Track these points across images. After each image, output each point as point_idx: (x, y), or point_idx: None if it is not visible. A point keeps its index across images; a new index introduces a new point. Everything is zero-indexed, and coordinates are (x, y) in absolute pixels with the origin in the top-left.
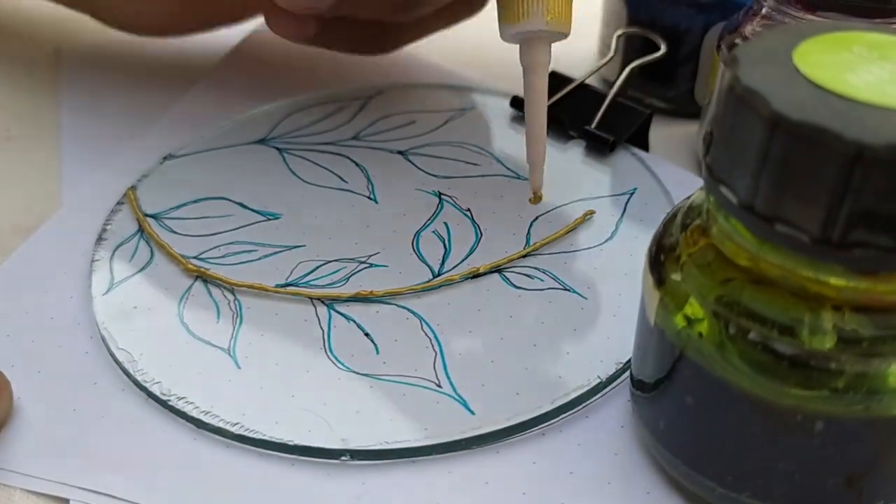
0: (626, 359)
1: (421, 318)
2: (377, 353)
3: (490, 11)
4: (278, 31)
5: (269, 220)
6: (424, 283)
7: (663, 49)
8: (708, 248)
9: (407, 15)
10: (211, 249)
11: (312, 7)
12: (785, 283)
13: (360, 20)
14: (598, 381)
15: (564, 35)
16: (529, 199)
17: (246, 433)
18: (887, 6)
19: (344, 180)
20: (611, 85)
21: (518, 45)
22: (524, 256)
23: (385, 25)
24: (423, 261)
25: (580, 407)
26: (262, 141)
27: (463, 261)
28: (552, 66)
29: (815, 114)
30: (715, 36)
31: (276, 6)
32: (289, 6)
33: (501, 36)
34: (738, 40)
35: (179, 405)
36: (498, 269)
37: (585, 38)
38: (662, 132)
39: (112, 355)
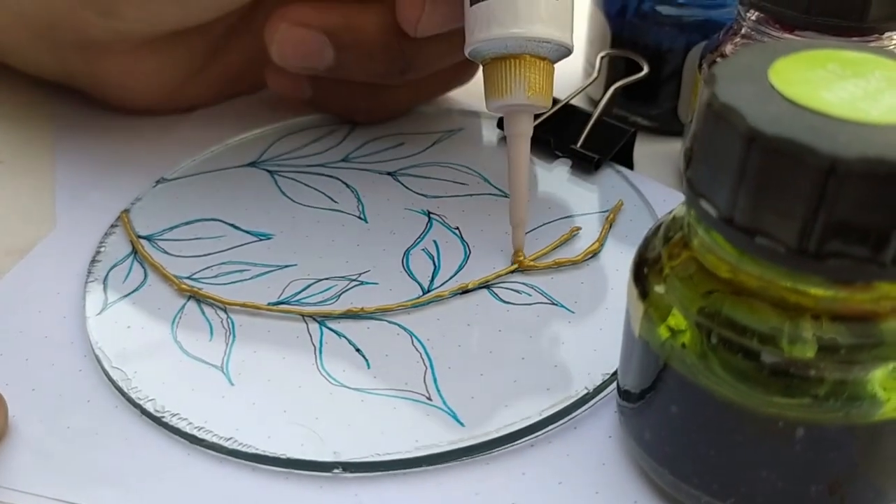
0: (613, 370)
1: (411, 334)
2: (368, 367)
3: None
4: (275, 88)
5: (260, 240)
6: (414, 299)
7: (646, 70)
8: (690, 260)
9: (400, 78)
10: (204, 270)
11: (307, 67)
12: (765, 293)
13: (354, 84)
14: (586, 391)
15: (545, 108)
16: (512, 258)
17: (239, 448)
18: (862, 25)
19: (334, 201)
20: (596, 104)
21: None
22: (512, 272)
23: (378, 92)
24: (413, 278)
25: (568, 418)
26: (253, 164)
27: (452, 277)
28: None
29: (790, 129)
30: (697, 55)
31: (274, 65)
32: (285, 66)
33: (487, 107)
34: (718, 59)
35: (173, 421)
36: (486, 285)
37: (571, 59)
38: (647, 150)
39: (106, 373)
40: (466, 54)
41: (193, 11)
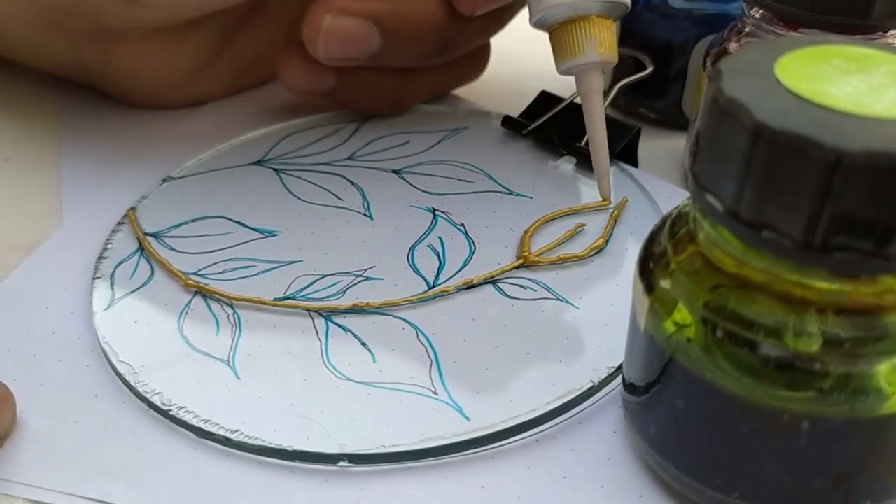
0: (618, 365)
1: (416, 328)
2: (374, 361)
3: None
4: (292, 81)
5: (266, 237)
6: (420, 294)
7: (650, 68)
8: (695, 255)
9: (440, 58)
10: (210, 266)
11: (348, 58)
12: (770, 287)
13: (381, 72)
14: (591, 384)
15: (613, 63)
16: (602, 201)
17: (246, 441)
18: (866, 23)
19: (340, 198)
20: (604, 99)
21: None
22: (517, 268)
23: (401, 80)
24: (419, 273)
25: (573, 412)
26: (259, 162)
27: (457, 273)
28: (543, 87)
29: (795, 123)
30: (702, 50)
31: (293, 59)
32: (326, 59)
33: (558, 70)
34: (722, 57)
35: (180, 415)
36: (492, 281)
37: None
38: (651, 146)
39: (113, 368)
40: (532, 24)
41: None
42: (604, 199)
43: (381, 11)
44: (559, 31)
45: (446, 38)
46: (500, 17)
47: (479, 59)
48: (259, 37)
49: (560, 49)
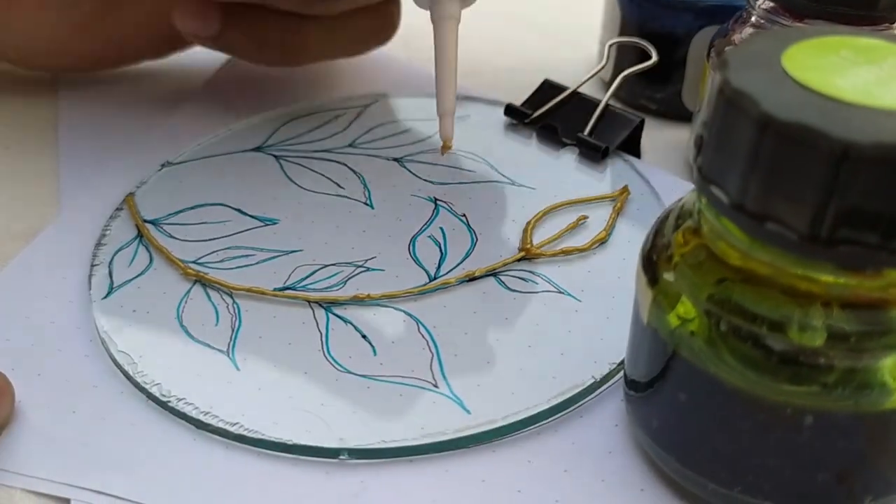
0: (620, 359)
1: (417, 321)
2: (374, 354)
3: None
4: (181, 25)
5: (266, 225)
6: (421, 286)
7: (654, 58)
8: (700, 248)
9: (322, 5)
10: (209, 254)
11: None
12: (775, 281)
13: (268, 17)
14: (593, 380)
15: None
16: (441, 149)
17: (245, 433)
18: (873, 14)
19: (341, 186)
20: (607, 88)
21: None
22: (519, 260)
23: (291, 29)
24: (420, 265)
25: (575, 406)
26: (258, 148)
27: (459, 265)
28: (547, 75)
29: (802, 114)
30: (702, 40)
31: (185, 2)
32: None
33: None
34: (727, 47)
35: (179, 406)
36: (493, 273)
37: (585, 44)
38: (654, 138)
39: (112, 358)
40: None
41: None
42: (444, 142)
43: None
44: None
45: None
46: None
47: (382, 18)
48: (141, 9)
49: None
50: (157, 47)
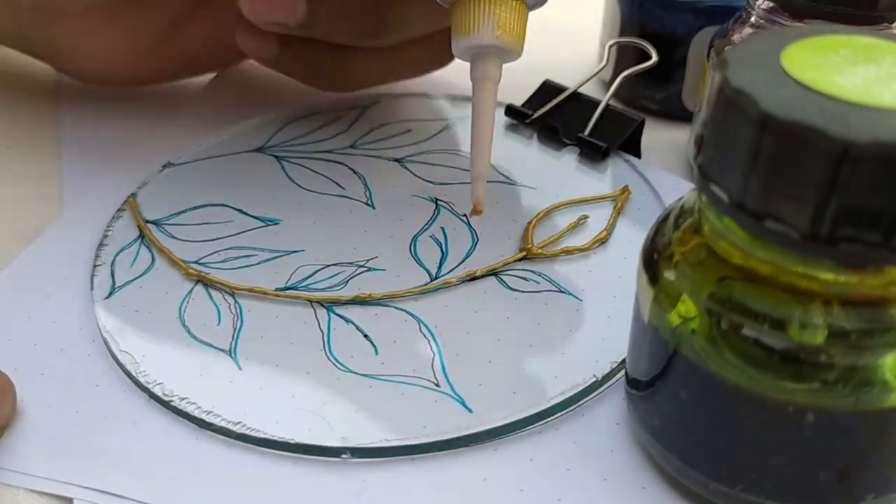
0: (621, 358)
1: (419, 320)
2: (376, 353)
3: None
4: (243, 44)
5: (268, 225)
6: (422, 286)
7: (654, 58)
8: (700, 246)
9: (375, 41)
10: (211, 254)
11: (279, 23)
12: (776, 279)
13: (324, 46)
14: (594, 379)
15: (516, 54)
16: (471, 212)
17: (247, 432)
18: (872, 14)
19: (342, 187)
20: (608, 89)
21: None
22: (520, 260)
23: (347, 59)
24: (421, 264)
25: (576, 405)
26: (260, 149)
27: (460, 264)
28: (547, 75)
29: (802, 113)
30: (702, 40)
31: (245, 20)
32: (255, 20)
33: (454, 51)
34: (727, 47)
35: (182, 405)
36: (494, 272)
37: (585, 45)
38: (655, 138)
39: (114, 358)
40: None
41: None
42: (475, 207)
43: None
44: (457, 5)
45: (377, 16)
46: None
47: (437, 46)
48: (211, 20)
49: (456, 25)
50: (222, 62)
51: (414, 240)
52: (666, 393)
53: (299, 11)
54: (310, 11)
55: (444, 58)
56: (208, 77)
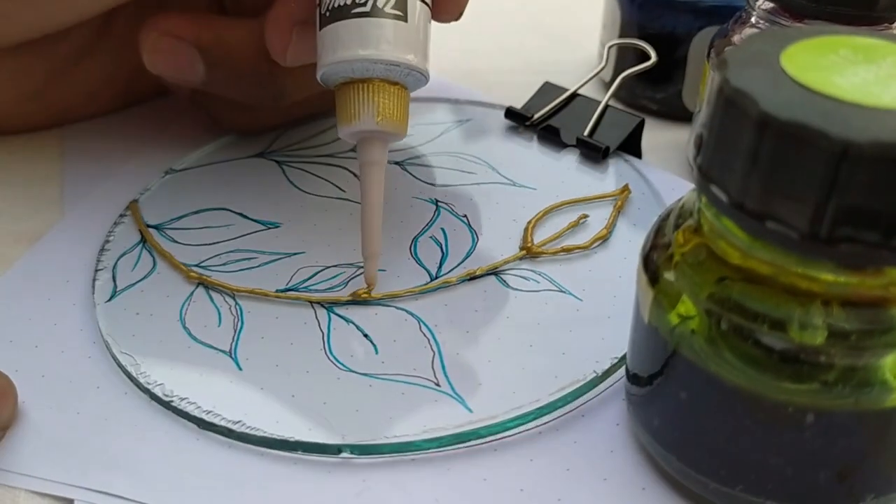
0: (621, 356)
1: (419, 319)
2: (376, 353)
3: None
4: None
5: (268, 228)
6: (422, 285)
7: (654, 59)
8: (700, 247)
9: (273, 102)
10: (212, 258)
11: (181, 79)
12: (775, 279)
13: (221, 100)
14: (595, 375)
15: (399, 136)
16: (362, 291)
17: (248, 432)
18: (872, 14)
19: (342, 189)
20: (608, 89)
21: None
22: (520, 259)
23: (242, 113)
24: (421, 265)
25: (576, 404)
26: (261, 154)
27: (460, 264)
28: (547, 76)
29: (802, 113)
30: (702, 41)
31: None
32: (158, 74)
33: (339, 134)
34: (727, 47)
35: (182, 406)
36: (494, 272)
37: (585, 45)
38: (653, 136)
39: (115, 359)
40: (318, 80)
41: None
42: (368, 284)
43: (205, 41)
44: (339, 92)
45: (273, 83)
46: None
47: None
48: (104, 66)
49: (339, 111)
50: (119, 101)
51: (414, 241)
52: (666, 393)
53: (198, 72)
54: (208, 74)
55: None
56: None
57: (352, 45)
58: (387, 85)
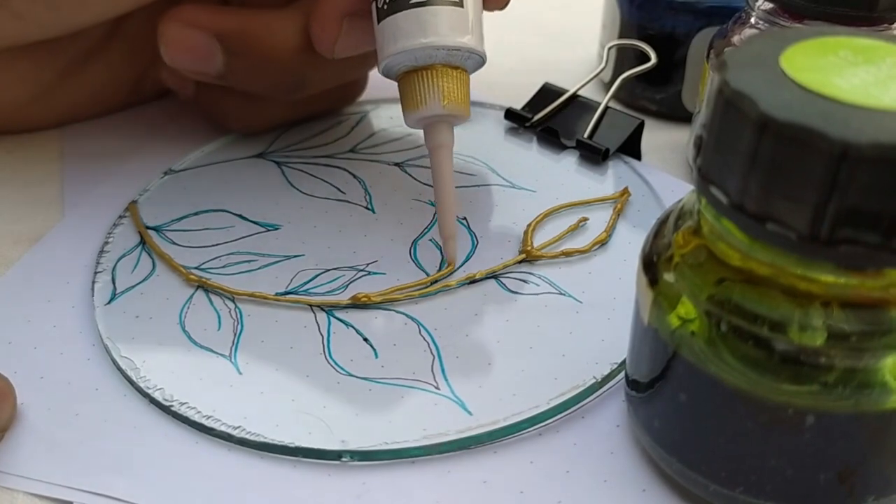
0: (621, 360)
1: (419, 323)
2: (376, 357)
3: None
4: (166, 81)
5: (268, 230)
6: (422, 289)
7: (654, 60)
8: (700, 248)
9: (291, 95)
10: (212, 260)
11: (197, 72)
12: (775, 281)
13: (227, 92)
14: (594, 381)
15: (464, 118)
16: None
17: (247, 436)
18: (871, 15)
19: (342, 191)
20: (607, 90)
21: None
22: (520, 262)
23: (258, 102)
24: (421, 268)
25: (576, 407)
26: (260, 155)
27: (460, 267)
28: (547, 77)
29: (801, 115)
30: (702, 41)
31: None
32: (175, 67)
33: (406, 122)
34: (727, 48)
35: (182, 410)
36: (494, 275)
37: (585, 46)
38: (652, 137)
39: (114, 362)
40: (380, 72)
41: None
42: (449, 264)
43: (227, 30)
44: (403, 81)
45: (298, 73)
46: (366, 59)
47: (349, 86)
48: (112, 68)
49: (405, 99)
50: (123, 102)
51: (414, 243)
52: (666, 395)
53: (217, 63)
54: (227, 65)
55: (354, 94)
56: None
57: (413, 34)
58: (449, 69)
